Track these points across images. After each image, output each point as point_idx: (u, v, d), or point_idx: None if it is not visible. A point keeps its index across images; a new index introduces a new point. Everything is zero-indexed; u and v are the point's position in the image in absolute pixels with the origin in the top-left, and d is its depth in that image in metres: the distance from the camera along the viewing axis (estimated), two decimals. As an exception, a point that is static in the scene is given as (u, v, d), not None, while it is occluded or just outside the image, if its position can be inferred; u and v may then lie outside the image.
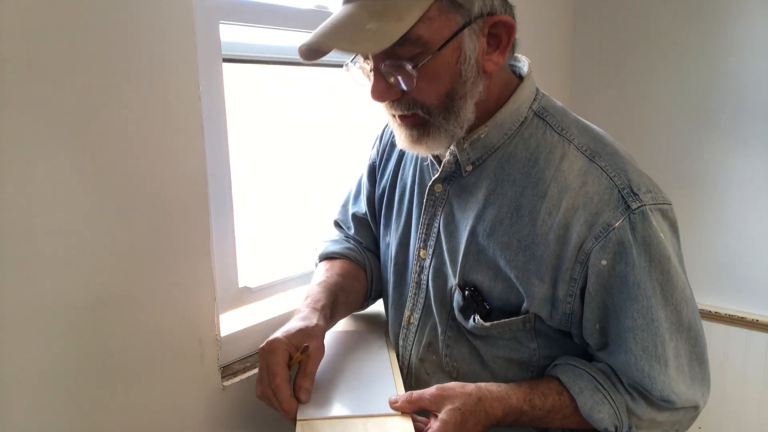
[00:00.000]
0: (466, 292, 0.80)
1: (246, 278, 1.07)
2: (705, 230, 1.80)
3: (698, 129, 1.78)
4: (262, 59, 1.08)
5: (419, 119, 0.74)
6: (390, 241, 0.96)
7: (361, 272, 1.02)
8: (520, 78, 0.82)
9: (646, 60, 1.85)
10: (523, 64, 0.83)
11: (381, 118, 1.42)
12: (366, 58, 0.73)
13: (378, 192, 1.01)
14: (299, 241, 1.25)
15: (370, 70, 0.73)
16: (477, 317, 0.79)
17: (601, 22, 1.93)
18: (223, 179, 0.98)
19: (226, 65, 0.96)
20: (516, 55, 0.83)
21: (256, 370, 0.99)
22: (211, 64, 0.93)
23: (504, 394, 0.75)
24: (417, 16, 0.65)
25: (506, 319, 0.78)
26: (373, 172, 1.04)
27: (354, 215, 1.06)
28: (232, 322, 1.03)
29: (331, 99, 1.30)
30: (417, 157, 0.93)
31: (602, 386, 0.75)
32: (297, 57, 1.11)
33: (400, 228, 0.93)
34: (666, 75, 1.82)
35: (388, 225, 0.97)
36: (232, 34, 0.99)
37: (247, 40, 1.04)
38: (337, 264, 0.99)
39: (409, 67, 0.69)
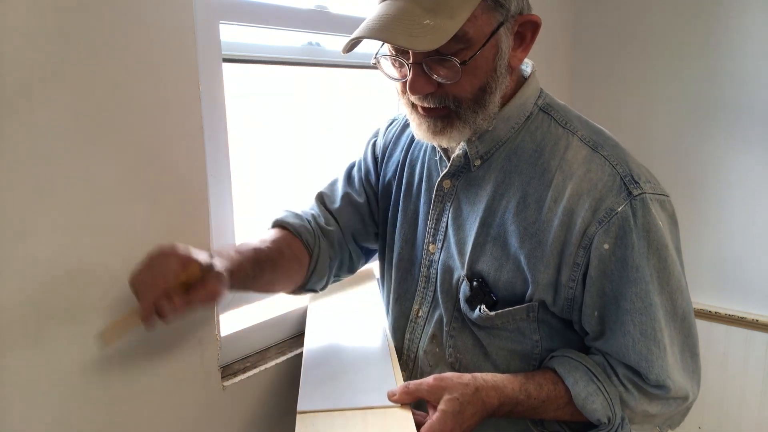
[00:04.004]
0: (474, 283, 0.81)
1: (246, 278, 1.07)
2: (705, 230, 1.80)
3: (698, 129, 1.78)
4: (262, 59, 1.08)
5: (446, 111, 0.76)
6: (395, 238, 0.97)
7: (305, 256, 0.93)
8: (524, 78, 0.85)
9: (646, 60, 1.85)
10: (527, 65, 0.86)
11: (381, 117, 1.41)
12: (405, 52, 0.73)
13: (380, 189, 1.01)
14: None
15: (408, 64, 0.73)
16: (483, 307, 0.80)
17: (601, 22, 1.93)
18: (223, 179, 0.98)
19: (226, 65, 0.96)
20: None
21: (256, 370, 1.00)
22: (211, 64, 0.93)
23: (500, 384, 0.76)
24: (468, 14, 0.68)
25: (510, 308, 0.79)
26: (376, 165, 1.02)
27: (347, 195, 1.01)
28: (232, 322, 1.03)
29: (332, 99, 1.30)
30: (424, 156, 0.94)
31: (597, 378, 0.76)
32: (297, 57, 1.13)
33: (406, 225, 0.95)
34: (666, 75, 1.82)
35: (393, 223, 0.98)
36: (232, 34, 0.99)
37: (247, 40, 1.04)
38: (282, 238, 0.90)
39: (457, 62, 0.70)
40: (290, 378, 1.05)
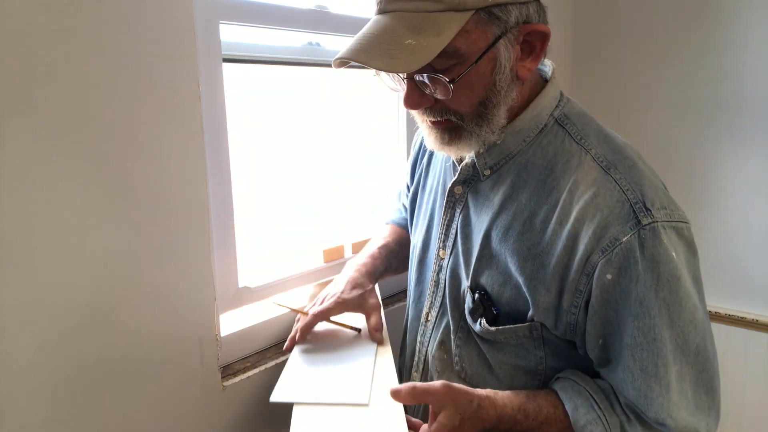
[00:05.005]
0: (476, 295, 0.80)
1: (246, 278, 1.07)
2: (705, 230, 1.80)
3: (698, 129, 1.78)
4: (262, 59, 1.08)
5: (451, 124, 0.75)
6: (416, 240, 0.98)
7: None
8: (544, 81, 0.81)
9: (646, 60, 1.85)
10: (548, 68, 0.82)
11: (381, 117, 1.41)
12: None
13: (410, 194, 1.05)
14: (299, 241, 1.25)
15: (404, 79, 0.72)
16: (483, 321, 0.79)
17: (601, 22, 1.93)
18: (223, 179, 0.98)
19: (226, 65, 0.96)
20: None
21: (256, 370, 1.00)
22: (211, 64, 0.93)
23: (500, 402, 0.75)
24: (455, 31, 0.65)
25: (512, 325, 0.77)
26: (412, 173, 1.08)
27: (403, 204, 1.17)
28: (232, 322, 1.03)
29: (332, 99, 1.30)
30: (443, 160, 0.94)
31: (598, 405, 0.74)
32: (297, 57, 1.13)
33: (424, 227, 0.95)
34: (666, 75, 1.82)
35: (416, 225, 1.00)
36: (232, 34, 0.99)
37: (247, 40, 1.04)
38: (396, 231, 1.15)
39: (446, 80, 0.68)
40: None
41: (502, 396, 0.76)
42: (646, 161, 0.78)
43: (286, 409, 1.07)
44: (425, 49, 0.64)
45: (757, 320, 1.73)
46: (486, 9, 0.67)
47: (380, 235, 1.13)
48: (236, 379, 0.97)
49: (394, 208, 1.21)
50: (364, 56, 0.66)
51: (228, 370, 0.99)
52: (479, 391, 0.76)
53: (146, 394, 0.85)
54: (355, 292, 0.95)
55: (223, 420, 0.96)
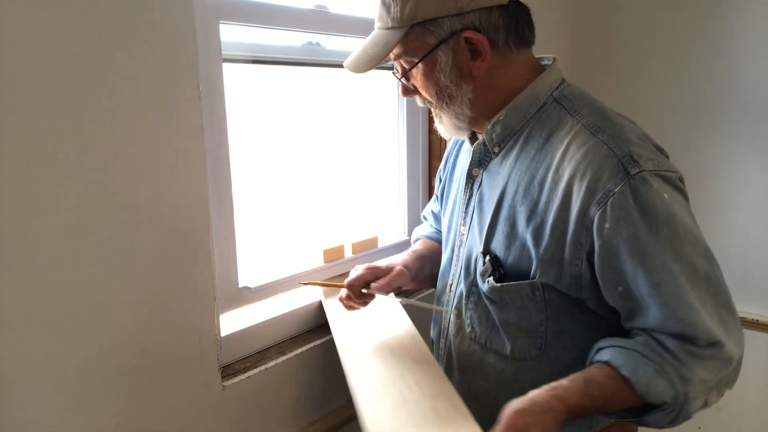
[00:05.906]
0: (487, 258, 0.90)
1: (246, 278, 1.07)
2: (705, 230, 1.78)
3: (698, 129, 1.78)
4: (262, 59, 1.08)
5: (432, 110, 0.96)
6: (444, 224, 1.09)
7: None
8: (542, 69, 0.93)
9: (646, 59, 1.85)
10: (549, 60, 0.95)
11: (381, 117, 1.41)
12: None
13: (440, 187, 1.17)
14: (299, 241, 1.25)
15: (400, 78, 0.95)
16: (490, 279, 0.88)
17: (600, 21, 1.93)
18: (223, 179, 0.98)
19: (226, 65, 0.96)
20: (546, 55, 0.96)
21: (256, 370, 1.00)
22: (211, 64, 0.93)
23: (565, 396, 0.74)
24: (395, 42, 0.87)
25: (515, 282, 0.86)
26: (444, 164, 1.18)
27: (432, 211, 1.27)
28: (232, 322, 1.03)
29: (332, 99, 1.30)
30: (468, 150, 1.03)
31: (652, 360, 0.76)
32: (297, 57, 1.13)
33: (450, 209, 1.07)
34: (665, 74, 1.82)
35: (444, 211, 1.12)
36: (232, 34, 0.99)
37: (247, 40, 1.04)
38: (427, 242, 1.22)
39: (399, 75, 0.93)
40: (290, 378, 1.06)
41: (564, 389, 0.75)
42: (640, 131, 0.86)
43: (286, 409, 1.07)
44: (375, 56, 0.88)
45: (757, 320, 1.73)
46: (419, 24, 0.85)
47: (413, 247, 1.21)
48: (236, 379, 0.97)
49: (425, 225, 1.29)
50: (348, 63, 0.92)
51: (228, 370, 0.99)
52: (545, 395, 0.74)
53: (146, 393, 0.85)
54: (386, 264, 1.04)
55: (223, 420, 0.96)
